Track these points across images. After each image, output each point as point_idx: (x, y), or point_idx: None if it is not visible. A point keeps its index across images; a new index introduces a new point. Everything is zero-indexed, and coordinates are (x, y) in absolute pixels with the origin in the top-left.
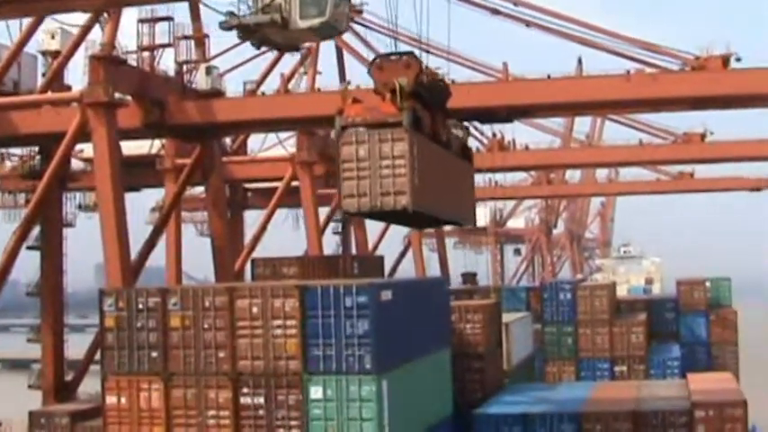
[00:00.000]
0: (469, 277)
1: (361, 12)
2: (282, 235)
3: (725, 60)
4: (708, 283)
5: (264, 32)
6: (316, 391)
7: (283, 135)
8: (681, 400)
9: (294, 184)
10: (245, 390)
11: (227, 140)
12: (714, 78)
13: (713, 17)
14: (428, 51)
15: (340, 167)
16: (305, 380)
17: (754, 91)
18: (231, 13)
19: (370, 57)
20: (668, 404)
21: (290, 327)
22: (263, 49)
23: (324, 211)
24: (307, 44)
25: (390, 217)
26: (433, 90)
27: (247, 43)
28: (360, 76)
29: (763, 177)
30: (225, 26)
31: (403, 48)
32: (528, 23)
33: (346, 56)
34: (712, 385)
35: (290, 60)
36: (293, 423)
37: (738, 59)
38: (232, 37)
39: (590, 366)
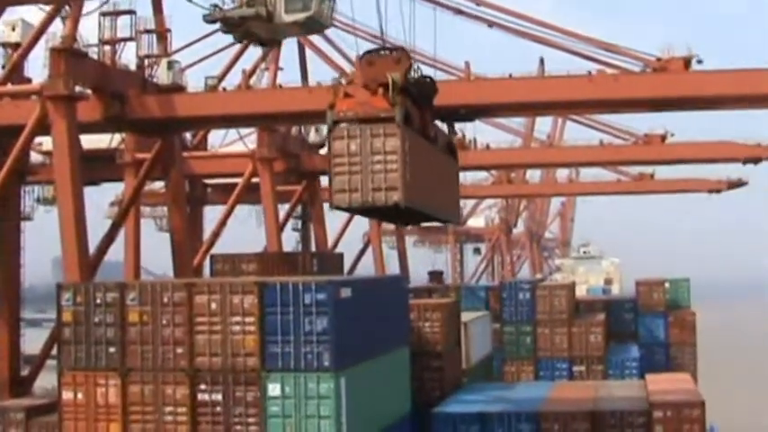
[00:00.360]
0: (436, 275)
1: None
2: (247, 231)
3: (686, 62)
4: (667, 284)
5: (248, 26)
6: (274, 389)
7: (244, 131)
8: (639, 400)
9: (254, 180)
10: (202, 386)
11: (188, 135)
12: (675, 80)
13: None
14: (389, 49)
15: (331, 162)
16: (263, 377)
17: (714, 93)
18: (215, 6)
19: (332, 53)
20: (626, 404)
21: (249, 323)
22: (225, 44)
23: (284, 208)
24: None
25: (380, 213)
26: (421, 86)
27: (210, 38)
28: (321, 73)
29: (723, 179)
30: (209, 19)
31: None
32: (490, 24)
33: (308, 52)
34: (670, 386)
35: (251, 56)
36: (251, 420)
37: (700, 61)
38: (194, 32)
39: (548, 366)
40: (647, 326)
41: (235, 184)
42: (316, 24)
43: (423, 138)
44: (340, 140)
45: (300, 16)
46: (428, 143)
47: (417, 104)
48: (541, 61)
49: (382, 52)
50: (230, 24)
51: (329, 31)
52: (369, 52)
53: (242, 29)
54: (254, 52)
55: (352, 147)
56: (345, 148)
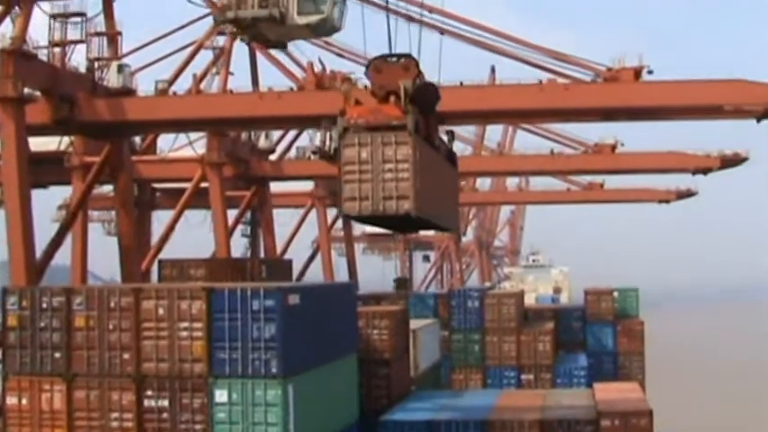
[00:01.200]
0: (402, 282)
1: None
2: (202, 236)
3: (637, 72)
4: (615, 293)
5: (259, 28)
6: (221, 395)
7: (193, 135)
8: (587, 409)
9: (204, 185)
10: (149, 392)
11: (137, 139)
12: (625, 90)
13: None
14: (341, 56)
15: (341, 169)
16: (210, 383)
17: (664, 103)
18: (227, 7)
19: (282, 58)
20: (574, 413)
21: (196, 329)
22: (175, 47)
23: (233, 213)
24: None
25: (388, 221)
26: (424, 93)
27: (160, 41)
28: (272, 78)
29: (672, 189)
30: (220, 19)
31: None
32: (442, 31)
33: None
34: (618, 395)
35: (202, 60)
36: (197, 427)
37: (650, 72)
38: (144, 35)
39: (497, 374)
40: (595, 335)
41: (184, 189)
42: (327, 27)
43: (429, 146)
44: (350, 148)
45: (313, 19)
46: (434, 151)
47: (422, 112)
48: (492, 69)
49: (390, 59)
50: (241, 26)
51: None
52: (377, 59)
53: (252, 30)
54: (205, 56)
55: (363, 154)
56: (356, 156)
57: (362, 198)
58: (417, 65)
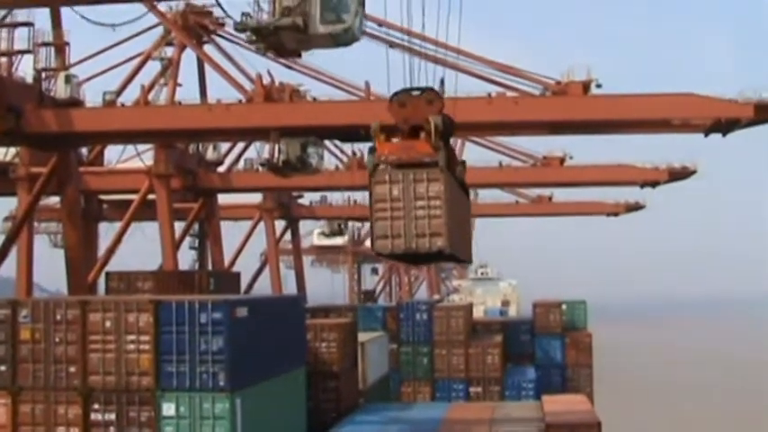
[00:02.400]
0: (369, 294)
1: (223, 24)
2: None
3: (585, 86)
4: (564, 306)
5: (280, 36)
6: (168, 408)
7: (142, 147)
8: (535, 421)
9: (152, 197)
10: (95, 406)
11: (83, 150)
12: (574, 104)
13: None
14: (290, 67)
15: (372, 207)
16: (158, 396)
17: (612, 117)
18: (247, 15)
19: (231, 70)
20: (523, 425)
21: (144, 342)
22: (124, 57)
23: (180, 226)
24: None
25: (419, 258)
26: (447, 126)
27: (108, 52)
28: (221, 90)
29: (621, 203)
30: (240, 27)
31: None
32: (392, 44)
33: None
34: (567, 407)
35: (150, 71)
36: None
37: (599, 86)
38: (92, 45)
39: (445, 387)
40: (543, 347)
41: (132, 201)
42: (348, 36)
43: (452, 177)
44: (382, 185)
45: (336, 28)
46: (456, 183)
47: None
48: (441, 82)
49: (414, 92)
50: (262, 34)
51: (229, 47)
52: (400, 92)
53: (271, 39)
54: (153, 67)
55: (395, 191)
56: (387, 193)
57: (395, 236)
58: (441, 98)
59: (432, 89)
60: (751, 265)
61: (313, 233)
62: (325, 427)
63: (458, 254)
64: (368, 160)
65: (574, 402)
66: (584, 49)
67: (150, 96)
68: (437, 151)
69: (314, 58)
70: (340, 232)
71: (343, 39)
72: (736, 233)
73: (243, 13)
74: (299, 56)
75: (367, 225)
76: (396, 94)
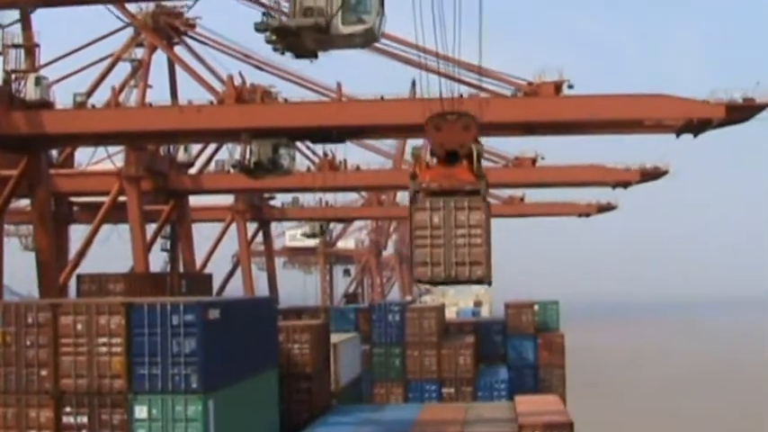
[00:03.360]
0: (351, 296)
1: (194, 26)
2: (121, 251)
3: (557, 87)
4: (536, 307)
5: (301, 36)
6: (141, 411)
7: (113, 149)
8: (508, 422)
9: (122, 199)
10: (67, 409)
11: (53, 152)
12: (546, 104)
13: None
14: (261, 68)
15: (412, 234)
16: (130, 399)
17: (584, 117)
18: (269, 15)
19: (201, 71)
20: (495, 426)
21: (116, 345)
22: (94, 59)
23: (152, 228)
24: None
25: (459, 284)
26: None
27: (78, 53)
28: (191, 91)
29: (593, 203)
30: (261, 27)
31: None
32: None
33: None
34: (539, 407)
35: (120, 73)
36: None
37: (571, 86)
38: (62, 47)
39: (418, 388)
40: (516, 348)
41: (102, 203)
42: (369, 37)
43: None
44: (422, 212)
45: (359, 28)
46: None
47: None
48: (413, 83)
49: (449, 117)
50: (283, 34)
51: (200, 48)
52: (435, 116)
53: (290, 40)
54: (123, 69)
55: (435, 219)
56: (428, 221)
57: (434, 264)
58: (477, 123)
59: (467, 114)
60: (723, 266)
61: (285, 234)
62: (298, 428)
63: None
64: (410, 187)
65: (546, 403)
66: (551, 50)
67: (120, 98)
68: (479, 179)
69: (285, 59)
70: (322, 233)
71: (363, 39)
72: (707, 233)
73: (263, 13)
74: (316, 56)
75: (339, 227)
76: (432, 117)
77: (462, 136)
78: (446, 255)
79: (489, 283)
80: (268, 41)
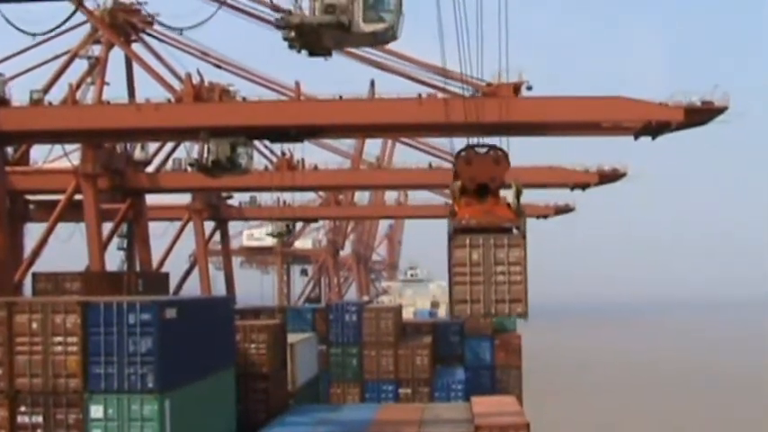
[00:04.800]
0: (315, 300)
1: (152, 23)
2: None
3: (516, 88)
4: None
5: (321, 34)
6: (96, 410)
7: (69, 147)
8: (464, 422)
9: (79, 197)
10: (22, 408)
11: (9, 149)
12: (503, 105)
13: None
14: (219, 67)
15: (452, 271)
16: (86, 398)
17: (542, 119)
18: (289, 12)
19: (159, 69)
20: (452, 427)
21: (72, 344)
22: (52, 55)
23: (108, 226)
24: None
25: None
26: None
27: (34, 49)
28: (149, 90)
29: (550, 205)
30: (282, 24)
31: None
32: None
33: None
34: (496, 408)
35: (77, 69)
36: None
37: (530, 88)
38: (17, 42)
39: (375, 388)
40: (473, 349)
41: (59, 201)
42: (388, 35)
43: None
44: (461, 249)
45: (379, 27)
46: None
47: None
48: (372, 83)
49: (479, 150)
50: (304, 32)
51: (158, 46)
52: (465, 150)
53: (309, 37)
54: (80, 65)
55: (474, 256)
56: (467, 258)
57: (474, 301)
58: (507, 156)
59: (497, 148)
60: (680, 267)
61: (242, 234)
62: (255, 428)
63: None
64: (448, 224)
65: (503, 404)
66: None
67: (77, 95)
68: (518, 217)
69: (243, 56)
70: (288, 232)
71: (383, 37)
72: (663, 236)
73: (283, 10)
74: (331, 54)
75: (298, 225)
76: (461, 150)
77: (493, 169)
78: (485, 292)
79: (526, 319)
80: (286, 39)
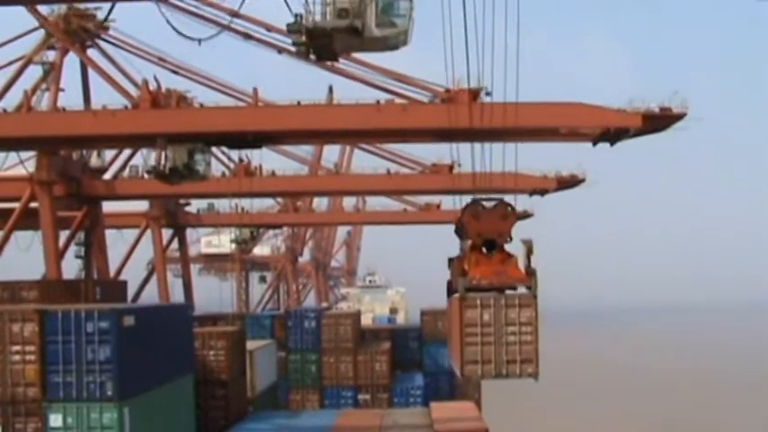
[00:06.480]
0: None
1: (107, 28)
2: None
3: (474, 94)
4: None
5: (333, 38)
6: (55, 419)
7: (25, 154)
8: (423, 428)
9: (34, 204)
10: None
11: None
12: (461, 111)
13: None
14: (176, 72)
15: (462, 331)
16: (44, 407)
17: (499, 125)
18: (301, 16)
19: (116, 75)
20: None
21: (29, 352)
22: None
23: (64, 234)
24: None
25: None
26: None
27: None
28: (105, 96)
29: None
30: (294, 28)
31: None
32: (280, 50)
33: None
34: (455, 414)
35: (31, 75)
36: None
37: (488, 94)
38: None
39: (334, 394)
40: (431, 354)
41: (14, 209)
42: (400, 40)
43: None
44: (472, 309)
45: (393, 31)
46: None
47: None
48: (330, 89)
49: (486, 204)
50: (316, 36)
51: (114, 51)
52: (473, 204)
53: (321, 41)
54: (35, 71)
55: (485, 316)
56: (478, 318)
57: (485, 361)
58: (515, 210)
59: (504, 203)
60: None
61: (200, 241)
62: None
63: None
64: (460, 284)
65: (462, 409)
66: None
67: (32, 102)
68: (530, 277)
69: (200, 62)
70: (252, 239)
71: (395, 42)
72: (621, 242)
73: (296, 14)
74: (338, 59)
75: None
76: (468, 205)
77: (500, 225)
78: (496, 352)
79: (537, 380)
80: (294, 43)
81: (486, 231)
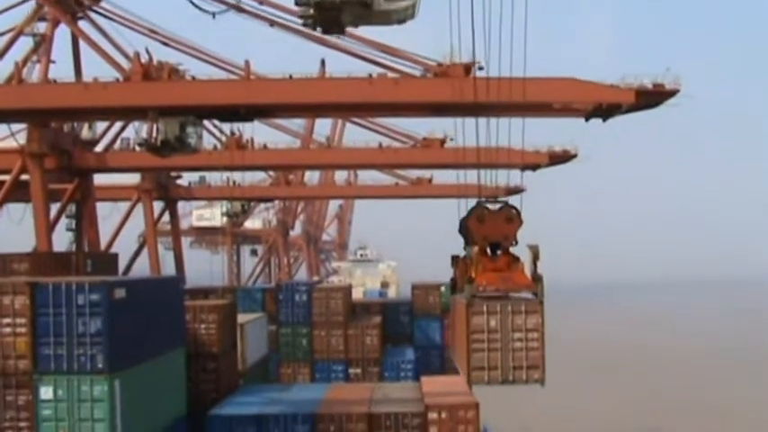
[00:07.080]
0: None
1: (99, 0)
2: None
3: (467, 68)
4: (443, 288)
5: (342, 11)
6: (46, 392)
7: (16, 126)
8: (414, 402)
9: (25, 177)
10: None
11: None
12: (454, 86)
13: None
14: (167, 45)
15: (469, 338)
16: (35, 380)
17: (492, 99)
18: None
19: (107, 47)
20: (402, 406)
21: (20, 325)
22: None
23: (56, 207)
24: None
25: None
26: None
27: None
28: (96, 68)
29: (501, 185)
30: (304, 0)
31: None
32: (272, 23)
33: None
34: (445, 388)
35: (22, 47)
36: (23, 424)
37: (481, 68)
38: None
39: (325, 368)
40: (422, 329)
41: (4, 182)
42: (408, 14)
43: None
44: (479, 316)
45: (401, 5)
46: None
47: None
48: (322, 63)
49: (492, 208)
50: (324, 8)
51: (106, 24)
52: (478, 207)
53: (330, 14)
54: (26, 43)
55: (492, 323)
56: (485, 324)
57: (491, 368)
58: (520, 214)
59: (509, 206)
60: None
61: (192, 213)
62: (205, 407)
63: None
64: (466, 290)
65: (452, 383)
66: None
67: (23, 74)
68: (536, 283)
69: (192, 34)
70: (244, 212)
71: (402, 16)
72: (614, 217)
73: None
74: (344, 33)
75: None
76: (474, 208)
77: (505, 228)
78: (503, 359)
79: (543, 386)
80: (303, 16)
81: (491, 235)
